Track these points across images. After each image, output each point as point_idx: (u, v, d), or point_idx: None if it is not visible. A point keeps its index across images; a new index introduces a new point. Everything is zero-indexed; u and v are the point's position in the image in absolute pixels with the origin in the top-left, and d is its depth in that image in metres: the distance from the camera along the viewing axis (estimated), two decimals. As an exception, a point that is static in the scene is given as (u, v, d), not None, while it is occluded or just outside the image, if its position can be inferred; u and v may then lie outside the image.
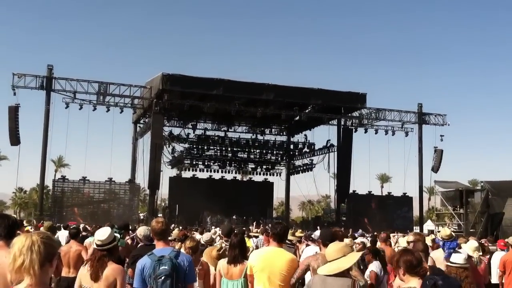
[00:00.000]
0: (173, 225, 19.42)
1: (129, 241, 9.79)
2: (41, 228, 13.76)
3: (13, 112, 35.36)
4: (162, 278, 5.04)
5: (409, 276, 4.58)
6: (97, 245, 5.52)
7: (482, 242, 13.18)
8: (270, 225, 29.97)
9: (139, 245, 8.17)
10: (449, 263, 6.44)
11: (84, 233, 13.21)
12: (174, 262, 5.12)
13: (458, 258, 6.37)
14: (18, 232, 5.43)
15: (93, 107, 37.24)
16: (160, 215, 41.18)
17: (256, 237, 15.50)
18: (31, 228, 14.77)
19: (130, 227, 12.01)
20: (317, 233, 9.45)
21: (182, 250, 6.61)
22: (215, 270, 6.62)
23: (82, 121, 42.86)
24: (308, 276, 6.48)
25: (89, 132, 40.62)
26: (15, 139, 35.88)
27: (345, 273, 4.72)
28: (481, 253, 9.71)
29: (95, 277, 5.33)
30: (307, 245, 10.70)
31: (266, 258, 5.94)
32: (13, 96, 35.08)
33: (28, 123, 43.97)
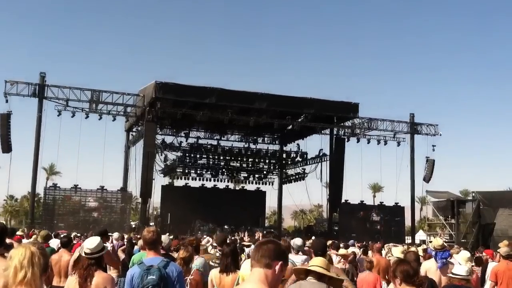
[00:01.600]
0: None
1: (110, 249, 9.76)
2: (34, 237, 13.68)
3: (5, 119, 35.21)
4: (149, 287, 5.04)
5: (405, 286, 4.60)
6: (86, 254, 5.51)
7: (484, 255, 13.20)
8: (261, 235, 30.02)
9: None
10: (451, 275, 6.47)
11: (75, 242, 13.11)
12: (163, 273, 5.11)
13: (460, 270, 6.41)
14: (10, 241, 5.39)
15: (86, 115, 37.07)
16: (152, 223, 41.03)
17: (248, 246, 15.46)
18: (23, 237, 14.64)
19: (123, 235, 11.99)
20: (295, 241, 9.25)
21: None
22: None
23: (74, 129, 42.70)
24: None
25: (81, 140, 40.69)
26: (6, 147, 35.70)
27: (322, 279, 4.71)
28: (473, 264, 9.75)
29: (84, 285, 5.32)
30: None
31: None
32: (5, 103, 34.98)
33: (20, 130, 43.95)
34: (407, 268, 4.64)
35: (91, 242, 5.60)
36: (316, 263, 4.78)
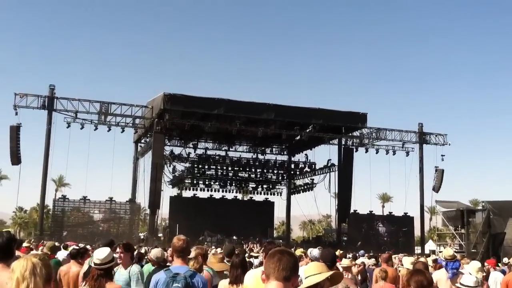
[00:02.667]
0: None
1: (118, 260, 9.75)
2: (41, 248, 13.70)
3: (15, 131, 35.42)
4: None
5: None
6: (96, 264, 5.53)
7: (486, 265, 13.10)
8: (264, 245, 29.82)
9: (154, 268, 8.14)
10: (459, 285, 6.42)
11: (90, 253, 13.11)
12: (188, 282, 5.12)
13: (469, 281, 6.36)
14: (18, 253, 5.38)
15: (95, 127, 37.30)
16: (160, 234, 41.05)
17: (256, 257, 15.42)
18: (31, 249, 14.66)
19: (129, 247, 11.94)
20: (313, 252, 9.32)
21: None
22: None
23: (83, 141, 42.97)
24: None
25: (90, 152, 40.77)
26: (16, 159, 35.88)
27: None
28: (484, 274, 9.67)
29: None
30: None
31: (258, 278, 5.91)
32: (15, 116, 35.19)
33: (29, 142, 44.12)
34: (421, 279, 4.58)
35: (101, 253, 5.62)
36: (311, 272, 4.72)
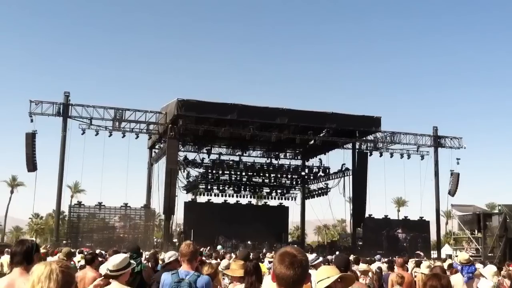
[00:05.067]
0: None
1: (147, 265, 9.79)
2: (58, 254, 13.80)
3: (30, 138, 35.71)
4: None
5: None
6: (110, 271, 5.54)
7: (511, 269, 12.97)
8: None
9: (161, 269, 8.17)
10: None
11: (100, 259, 13.21)
12: (193, 287, 5.19)
13: (486, 285, 6.33)
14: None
15: (109, 133, 37.52)
16: (175, 240, 41.14)
17: (270, 262, 15.38)
18: (48, 255, 14.80)
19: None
20: (310, 257, 9.31)
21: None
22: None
23: (98, 147, 43.36)
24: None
25: (105, 158, 40.92)
26: (31, 166, 36.17)
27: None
28: (499, 278, 9.58)
29: None
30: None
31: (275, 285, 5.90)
32: (30, 123, 35.48)
33: (45, 149, 44.47)
34: (435, 284, 4.58)
35: (115, 260, 5.63)
36: (322, 277, 4.69)
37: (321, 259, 8.29)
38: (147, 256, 14.06)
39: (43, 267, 2.89)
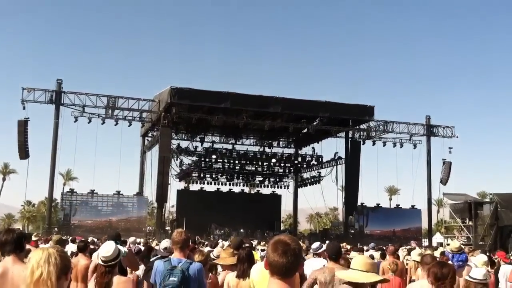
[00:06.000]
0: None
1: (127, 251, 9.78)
2: (50, 242, 13.80)
3: (23, 126, 35.56)
4: None
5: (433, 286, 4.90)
6: (102, 261, 5.56)
7: (496, 257, 13.08)
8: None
9: (156, 257, 8.18)
10: (468, 278, 6.44)
11: (92, 247, 13.22)
12: (186, 274, 5.25)
13: (478, 274, 6.37)
14: (28, 247, 5.46)
15: (102, 121, 37.41)
16: (167, 228, 41.23)
17: (263, 250, 15.46)
18: (40, 242, 14.79)
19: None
20: (313, 245, 9.38)
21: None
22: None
23: (90, 135, 43.26)
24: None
25: (98, 146, 40.83)
26: (24, 153, 36.06)
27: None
28: (494, 267, 9.67)
29: None
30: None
31: (263, 271, 5.95)
32: (23, 110, 35.33)
33: (37, 136, 44.29)
34: (435, 271, 4.89)
35: (107, 250, 5.64)
36: (358, 267, 4.66)
37: (324, 247, 8.32)
38: (138, 243, 14.10)
39: (41, 252, 2.91)
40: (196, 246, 12.13)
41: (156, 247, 11.89)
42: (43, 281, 2.83)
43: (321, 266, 7.41)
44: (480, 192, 77.00)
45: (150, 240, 23.11)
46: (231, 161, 46.78)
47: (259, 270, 6.08)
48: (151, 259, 7.78)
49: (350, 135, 43.66)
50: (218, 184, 50.32)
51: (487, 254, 13.48)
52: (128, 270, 7.23)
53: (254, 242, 20.89)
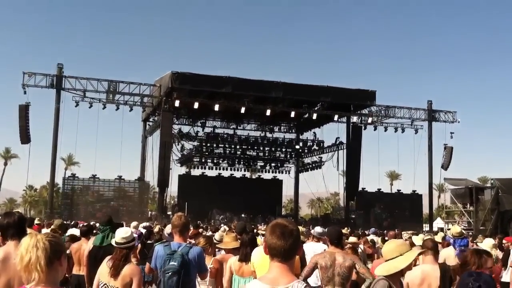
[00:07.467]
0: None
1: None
2: (52, 226, 13.85)
3: (24, 110, 35.55)
4: (169, 273, 5.22)
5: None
6: (119, 244, 5.58)
7: (505, 242, 13.10)
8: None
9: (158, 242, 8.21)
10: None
11: (95, 231, 13.28)
12: (185, 259, 5.27)
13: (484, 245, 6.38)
14: (30, 231, 5.46)
15: (103, 106, 37.40)
16: (169, 212, 41.34)
17: (264, 235, 15.48)
18: (42, 227, 14.84)
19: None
20: (317, 229, 9.41)
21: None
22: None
23: (91, 119, 43.19)
24: (316, 274, 6.49)
25: (99, 130, 40.88)
26: (25, 138, 36.09)
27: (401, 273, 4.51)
28: (497, 251, 9.68)
29: (115, 274, 5.42)
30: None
31: (263, 255, 5.97)
32: (24, 94, 35.29)
33: (38, 121, 44.32)
34: (474, 260, 4.52)
35: (125, 232, 5.69)
36: (392, 255, 4.52)
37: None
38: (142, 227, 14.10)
39: (29, 238, 2.93)
40: (199, 231, 12.18)
41: (163, 232, 11.93)
42: (32, 266, 2.84)
43: (321, 251, 7.44)
44: (481, 177, 77.09)
45: (153, 226, 23.18)
46: (233, 146, 46.74)
47: (259, 254, 6.11)
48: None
49: (351, 120, 43.56)
50: (220, 169, 50.36)
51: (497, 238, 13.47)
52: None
53: (262, 227, 20.75)
